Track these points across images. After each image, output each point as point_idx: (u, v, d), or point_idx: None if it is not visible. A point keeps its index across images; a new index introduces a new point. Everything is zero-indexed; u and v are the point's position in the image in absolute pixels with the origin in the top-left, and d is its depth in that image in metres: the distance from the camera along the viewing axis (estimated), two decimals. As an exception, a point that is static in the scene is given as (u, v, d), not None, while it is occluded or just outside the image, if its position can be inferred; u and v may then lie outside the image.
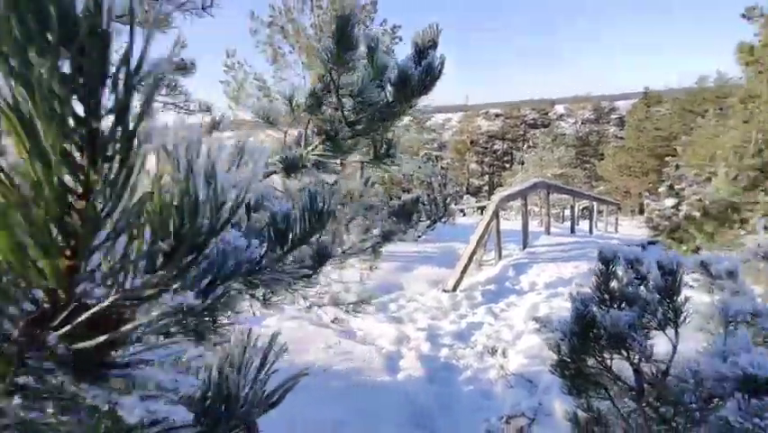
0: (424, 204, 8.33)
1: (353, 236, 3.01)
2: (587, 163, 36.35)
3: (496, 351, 3.24)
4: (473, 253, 6.01)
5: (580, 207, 16.33)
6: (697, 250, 6.32)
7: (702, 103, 26.06)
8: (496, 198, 6.72)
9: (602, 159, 32.54)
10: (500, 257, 6.91)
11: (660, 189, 14.20)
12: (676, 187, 6.76)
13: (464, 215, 22.05)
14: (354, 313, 2.89)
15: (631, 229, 18.56)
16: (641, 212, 26.01)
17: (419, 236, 8.10)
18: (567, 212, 23.55)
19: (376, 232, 2.86)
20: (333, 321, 4.40)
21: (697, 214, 5.92)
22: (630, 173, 25.58)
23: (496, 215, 6.69)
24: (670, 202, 6.49)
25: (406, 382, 3.22)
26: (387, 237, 2.83)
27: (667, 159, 20.37)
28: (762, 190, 5.66)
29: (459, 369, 3.54)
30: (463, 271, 5.70)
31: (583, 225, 13.99)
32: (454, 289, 5.50)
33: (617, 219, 14.86)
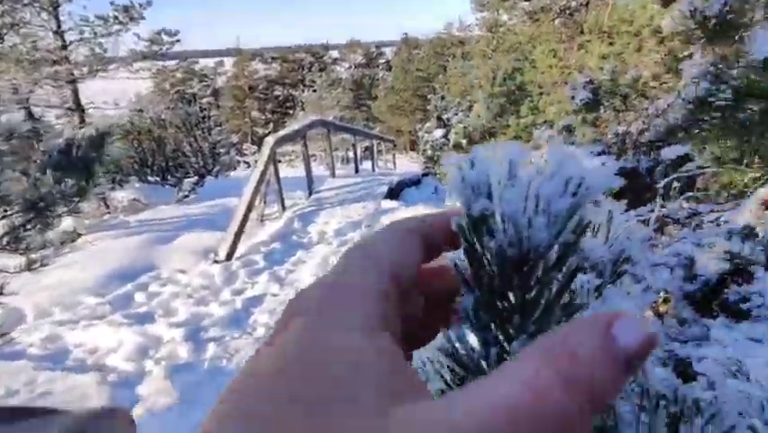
0: (186, 156, 6.60)
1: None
2: (363, 106, 38.20)
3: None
4: (249, 206, 4.94)
5: (363, 148, 16.77)
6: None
7: (450, 46, 29.73)
8: (270, 138, 5.68)
9: (375, 100, 34.58)
10: (284, 208, 6.04)
11: (427, 125, 15.51)
12: (444, 117, 7.02)
13: (249, 166, 20.37)
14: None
15: (406, 164, 20.30)
16: (412, 148, 28.96)
17: (185, 196, 6.47)
18: (351, 153, 24.34)
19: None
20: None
21: (463, 141, 6.15)
22: (400, 112, 27.82)
23: (273, 159, 5.69)
24: (439, 132, 6.71)
25: (142, 423, 2.08)
26: (34, 208, 1.54)
27: (429, 97, 22.65)
28: (511, 114, 6.15)
29: (231, 372, 2.58)
30: (238, 233, 4.61)
31: (366, 164, 14.33)
32: (229, 257, 4.40)
33: (394, 156, 15.73)
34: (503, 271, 0.22)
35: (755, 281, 1.25)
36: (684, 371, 0.98)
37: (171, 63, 39.27)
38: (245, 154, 22.87)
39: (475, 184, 0.22)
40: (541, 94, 6.88)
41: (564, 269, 0.22)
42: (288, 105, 46.87)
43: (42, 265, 1.67)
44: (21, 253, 1.58)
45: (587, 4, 6.55)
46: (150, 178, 7.79)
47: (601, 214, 0.37)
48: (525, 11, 6.04)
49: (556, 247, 0.22)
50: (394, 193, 7.75)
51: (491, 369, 0.24)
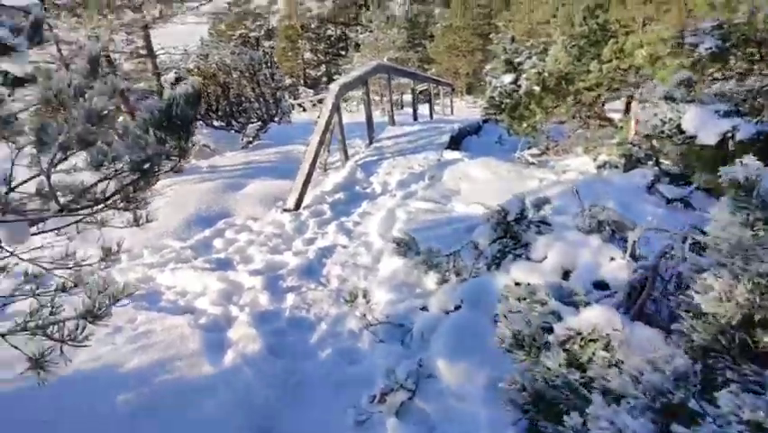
0: (250, 102, 6.65)
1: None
2: (418, 46, 36.47)
3: (356, 296, 2.42)
4: (315, 157, 4.95)
5: (417, 92, 16.20)
6: (534, 128, 6.31)
7: (516, -21, 27.12)
8: (334, 86, 5.55)
9: (432, 40, 32.84)
10: (347, 157, 6.01)
11: (488, 66, 14.55)
12: (515, 61, 6.51)
13: (304, 110, 20.40)
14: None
15: (464, 109, 19.47)
16: (469, 92, 27.64)
17: (249, 142, 6.62)
18: (405, 97, 23.63)
19: (119, 165, 1.56)
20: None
21: (536, 88, 5.71)
22: (458, 53, 26.33)
23: (337, 108, 5.59)
24: (508, 78, 6.25)
25: (236, 367, 2.23)
26: (140, 169, 1.57)
27: (491, 36, 21.14)
28: (592, 58, 5.60)
29: (310, 324, 2.68)
30: (306, 183, 4.66)
31: (422, 108, 13.85)
32: (297, 206, 4.48)
33: (451, 101, 15.11)
34: None
35: None
36: None
37: (225, 3, 38.97)
38: (299, 97, 22.86)
39: None
40: (627, 34, 6.18)
41: None
42: (340, 45, 45.72)
43: (148, 221, 1.73)
44: (129, 210, 1.64)
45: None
46: (215, 123, 7.97)
47: None
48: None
49: None
50: (455, 141, 7.48)
51: None
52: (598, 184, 4.52)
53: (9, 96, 1.78)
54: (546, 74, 5.71)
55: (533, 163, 6.14)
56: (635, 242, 2.14)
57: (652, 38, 5.35)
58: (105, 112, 1.47)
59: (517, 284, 2.27)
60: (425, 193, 4.77)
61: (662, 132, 3.23)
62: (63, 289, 1.50)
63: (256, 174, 5.73)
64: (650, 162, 4.81)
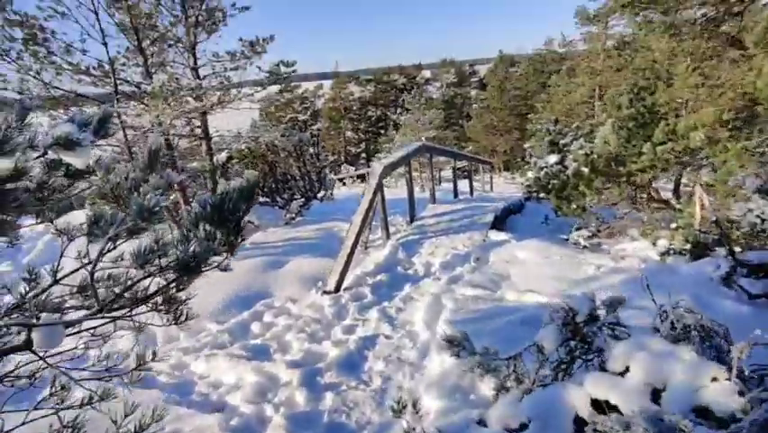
0: (295, 179, 6.79)
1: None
2: (455, 125, 37.84)
3: (404, 406, 2.14)
4: (357, 237, 4.87)
5: (457, 168, 16.41)
6: (584, 209, 6.06)
7: (551, 63, 28.33)
8: (377, 167, 5.61)
9: (469, 119, 34.06)
10: (388, 236, 5.91)
11: (527, 145, 14.68)
12: (560, 142, 6.45)
13: (344, 184, 21.03)
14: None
15: (503, 185, 19.46)
16: (506, 168, 27.87)
17: (292, 218, 6.66)
18: (443, 173, 24.04)
19: (164, 261, 1.47)
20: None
21: (585, 170, 5.55)
22: (495, 132, 26.98)
23: (380, 187, 5.61)
24: (553, 158, 6.16)
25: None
26: (186, 267, 1.46)
27: (529, 116, 21.62)
28: (643, 140, 5.44)
29: (351, 432, 2.38)
30: (347, 264, 4.54)
31: (460, 185, 13.89)
32: (337, 288, 4.32)
33: (491, 177, 15.15)
34: None
35: None
36: None
37: (276, 87, 42.35)
38: (340, 172, 23.70)
39: None
40: (677, 116, 6.03)
41: None
42: (380, 125, 48.18)
43: (188, 318, 1.60)
44: (170, 313, 1.53)
45: (738, 14, 5.66)
46: (260, 199, 8.21)
47: None
48: (663, 23, 5.34)
49: None
50: (499, 220, 7.29)
51: None
52: (663, 274, 4.13)
53: (68, 186, 1.79)
54: (595, 155, 5.56)
55: (585, 246, 5.81)
56: (739, 358, 1.81)
57: (707, 120, 5.18)
58: (157, 208, 1.40)
59: (598, 405, 1.93)
60: (472, 277, 4.52)
61: (755, 226, 2.93)
62: (89, 402, 1.36)
63: (297, 251, 5.69)
64: (720, 249, 4.40)
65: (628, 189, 5.74)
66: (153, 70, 5.30)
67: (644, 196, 6.12)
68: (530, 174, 12.26)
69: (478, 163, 13.43)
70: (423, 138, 23.10)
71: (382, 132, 44.07)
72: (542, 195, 11.57)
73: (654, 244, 5.47)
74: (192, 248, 1.46)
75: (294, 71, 6.43)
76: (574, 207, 5.93)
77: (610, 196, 5.83)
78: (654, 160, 5.33)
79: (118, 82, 5.15)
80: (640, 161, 5.37)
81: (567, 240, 6.45)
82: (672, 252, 4.63)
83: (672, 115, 6.16)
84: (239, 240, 1.62)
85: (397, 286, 4.51)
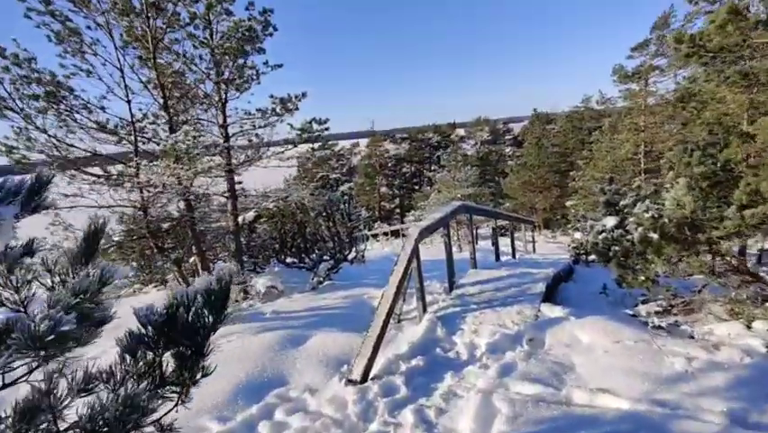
0: (324, 240, 6.17)
1: None
2: (490, 182, 37.38)
3: None
4: (389, 312, 4.21)
5: (494, 227, 15.67)
6: (654, 281, 5.19)
7: (588, 120, 27.84)
8: (413, 231, 5.04)
9: (505, 176, 33.48)
10: (425, 308, 5.21)
11: (571, 202, 13.82)
12: (622, 203, 5.73)
13: (377, 240, 20.54)
14: None
15: (544, 245, 18.40)
16: (546, 226, 26.73)
17: (320, 282, 6.02)
18: (480, 231, 23.22)
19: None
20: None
21: (654, 235, 4.77)
22: (534, 189, 26.18)
23: (415, 252, 5.01)
24: (612, 221, 5.44)
25: None
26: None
27: (571, 173, 20.85)
28: (723, 202, 4.66)
29: None
30: (377, 345, 3.86)
31: (500, 245, 13.06)
32: (365, 377, 3.63)
33: (533, 237, 14.26)
34: None
35: None
36: None
37: (316, 145, 43.98)
38: (375, 229, 23.36)
39: None
40: (755, 175, 5.23)
41: None
42: (414, 181, 48.46)
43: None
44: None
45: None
46: (287, 259, 7.77)
47: None
48: (738, 73, 4.71)
49: None
50: (549, 289, 6.44)
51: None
52: (782, 374, 3.22)
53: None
54: (666, 219, 4.79)
55: (660, 326, 4.88)
56: None
57: (805, 180, 4.38)
58: (59, 333, 0.85)
59: None
60: (528, 368, 3.72)
61: None
62: None
63: (322, 323, 5.08)
64: None
65: (708, 259, 4.87)
66: (178, 128, 5.14)
67: (726, 266, 5.20)
68: (578, 235, 11.34)
69: (519, 222, 12.67)
70: (459, 195, 22.62)
71: (416, 187, 44.13)
72: (591, 257, 10.59)
73: (749, 326, 4.51)
74: (119, 399, 0.89)
75: (327, 129, 6.16)
76: (642, 278, 5.08)
77: (686, 266, 4.97)
78: (741, 225, 4.50)
79: (139, 140, 4.99)
80: (722, 226, 4.56)
81: (634, 316, 5.53)
82: (782, 341, 3.69)
83: (750, 173, 5.36)
84: (201, 368, 1.04)
85: (435, 375, 3.77)
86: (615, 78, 22.44)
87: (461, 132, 54.76)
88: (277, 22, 6.05)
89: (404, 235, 22.02)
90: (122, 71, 4.83)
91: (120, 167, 4.72)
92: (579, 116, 28.65)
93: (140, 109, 5.26)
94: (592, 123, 27.23)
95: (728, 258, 5.07)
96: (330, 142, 46.64)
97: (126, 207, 4.79)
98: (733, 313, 4.77)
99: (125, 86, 4.89)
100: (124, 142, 5.06)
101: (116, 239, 5.18)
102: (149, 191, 4.79)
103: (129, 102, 4.95)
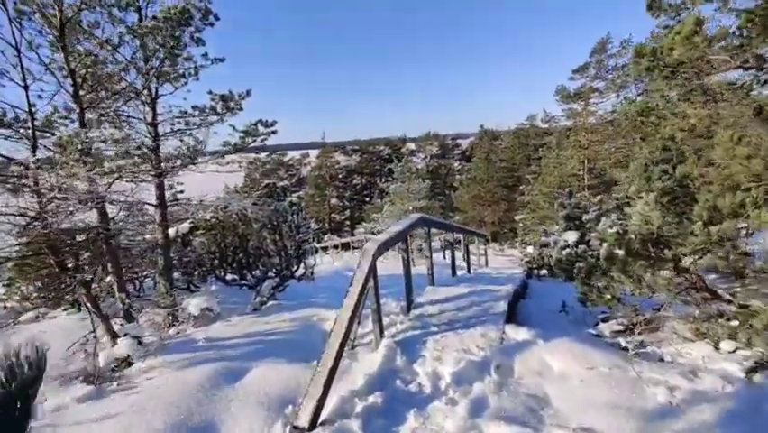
0: (269, 255, 5.38)
1: None
2: (440, 195, 37.79)
3: None
4: (344, 339, 3.64)
5: (452, 242, 15.50)
6: (619, 299, 5.01)
7: (534, 137, 28.87)
8: (371, 246, 4.52)
9: (454, 190, 33.92)
10: (382, 332, 4.68)
11: (517, 217, 13.91)
12: (585, 218, 5.55)
13: (327, 252, 19.81)
14: None
15: (493, 259, 18.50)
16: (494, 239, 27.18)
17: (263, 303, 5.26)
18: (433, 243, 23.11)
19: None
20: None
21: (620, 252, 4.57)
22: (483, 203, 26.60)
23: (373, 271, 4.49)
24: (573, 236, 5.24)
25: None
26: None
27: (520, 187, 21.30)
28: (686, 218, 4.55)
29: None
30: (328, 382, 3.28)
31: (445, 255, 12.82)
32: (313, 423, 3.03)
33: (485, 251, 14.20)
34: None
35: None
36: None
37: (263, 155, 42.56)
38: (325, 242, 22.59)
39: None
40: (709, 191, 5.19)
41: None
42: (365, 192, 48.10)
43: None
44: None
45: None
46: (227, 276, 6.98)
47: None
48: (700, 87, 4.67)
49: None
50: (510, 307, 6.14)
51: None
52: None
53: None
54: (632, 235, 4.62)
55: (626, 348, 4.66)
56: None
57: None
58: None
59: None
60: (501, 403, 3.29)
61: None
62: None
63: (264, 353, 4.41)
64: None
65: (671, 275, 4.75)
66: (91, 124, 4.32)
67: (687, 283, 5.13)
68: (530, 249, 11.31)
69: (473, 236, 12.53)
70: (411, 207, 22.44)
71: (367, 199, 43.79)
72: (543, 272, 10.57)
73: (717, 347, 4.39)
74: None
75: (274, 132, 5.54)
76: (608, 296, 4.87)
77: (651, 282, 4.81)
78: (707, 242, 4.40)
79: (38, 134, 4.12)
80: (689, 242, 4.44)
81: (598, 336, 5.32)
82: (758, 367, 3.52)
83: (706, 190, 5.36)
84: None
85: (396, 415, 3.24)
86: (558, 98, 23.41)
87: (411, 146, 55.33)
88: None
89: (355, 248, 21.40)
90: (17, 49, 3.96)
91: (15, 168, 3.84)
92: (525, 133, 29.67)
93: (39, 96, 4.37)
94: (537, 139, 28.23)
95: (691, 275, 4.99)
96: (278, 152, 45.31)
97: (15, 214, 3.84)
98: (698, 333, 4.65)
99: (22, 68, 4.02)
100: (18, 135, 4.15)
101: (8, 254, 4.22)
102: (44, 196, 3.90)
103: (26, 87, 4.06)
